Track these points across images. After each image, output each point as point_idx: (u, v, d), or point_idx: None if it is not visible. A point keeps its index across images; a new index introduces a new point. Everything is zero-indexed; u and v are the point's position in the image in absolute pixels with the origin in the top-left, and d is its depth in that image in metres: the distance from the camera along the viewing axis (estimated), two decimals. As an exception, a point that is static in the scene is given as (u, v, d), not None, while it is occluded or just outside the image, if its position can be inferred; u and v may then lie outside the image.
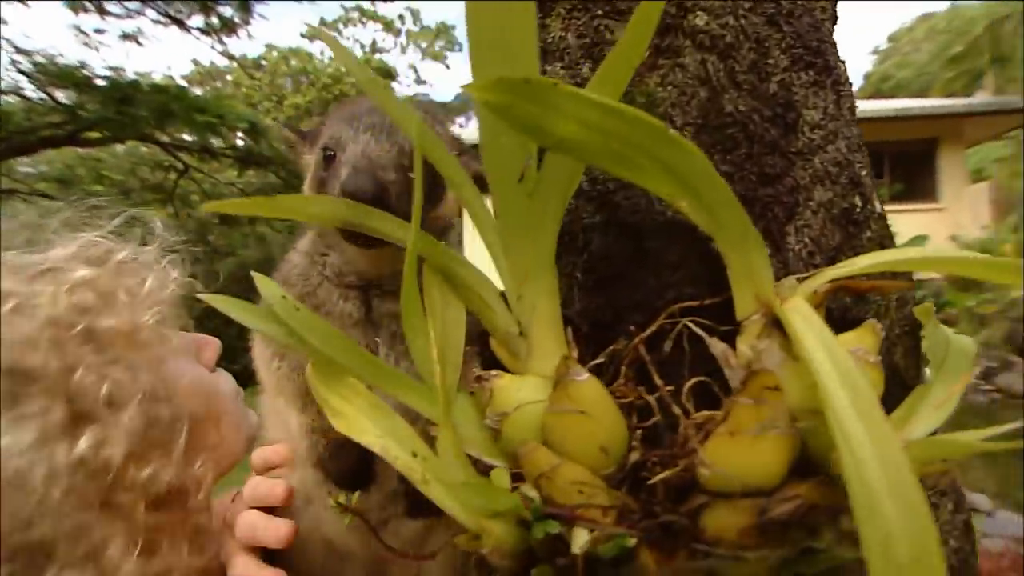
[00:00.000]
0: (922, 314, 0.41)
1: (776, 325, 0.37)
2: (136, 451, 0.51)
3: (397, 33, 20.46)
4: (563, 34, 0.48)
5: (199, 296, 0.46)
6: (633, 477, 0.37)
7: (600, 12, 0.47)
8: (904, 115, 9.74)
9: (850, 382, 0.31)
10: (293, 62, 18.27)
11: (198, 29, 8.84)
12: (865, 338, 0.36)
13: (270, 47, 18.66)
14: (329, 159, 0.53)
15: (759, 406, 0.33)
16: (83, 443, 0.48)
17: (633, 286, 0.43)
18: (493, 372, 0.41)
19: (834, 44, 0.46)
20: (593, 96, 0.34)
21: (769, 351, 0.36)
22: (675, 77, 0.43)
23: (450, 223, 0.58)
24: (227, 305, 0.42)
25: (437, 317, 0.42)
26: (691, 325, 0.39)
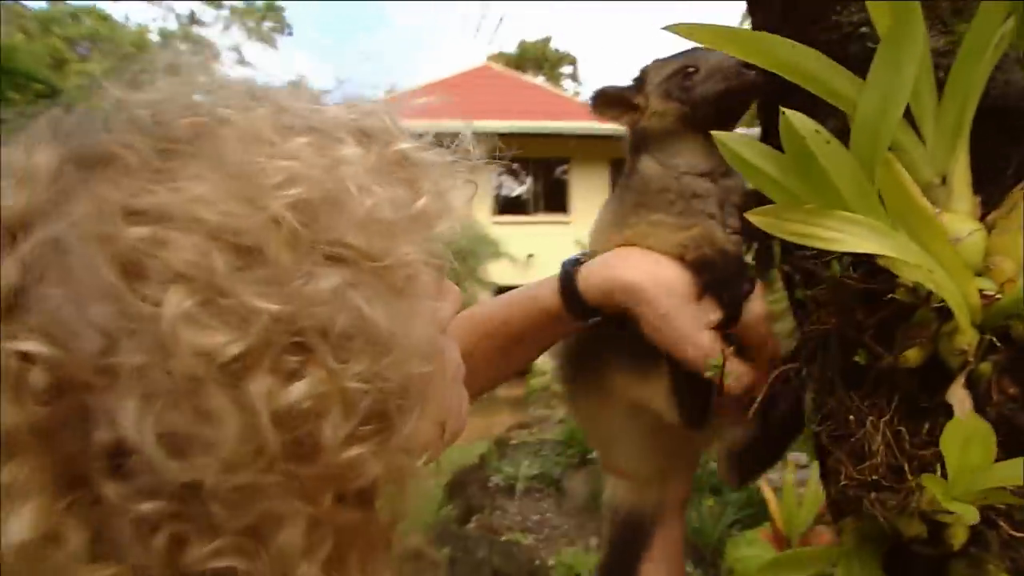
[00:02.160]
0: None
1: None
2: (354, 422, 0.36)
3: (219, 6, 18.60)
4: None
5: (716, 134, 0.48)
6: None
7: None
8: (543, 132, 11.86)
9: None
10: (88, 21, 15.70)
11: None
12: None
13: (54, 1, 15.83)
14: (690, 74, 0.70)
15: None
16: (299, 388, 0.34)
17: (997, 154, 0.56)
18: (937, 209, 0.52)
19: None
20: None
21: None
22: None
23: None
24: (735, 144, 0.47)
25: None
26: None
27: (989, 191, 0.55)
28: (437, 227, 0.45)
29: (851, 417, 0.56)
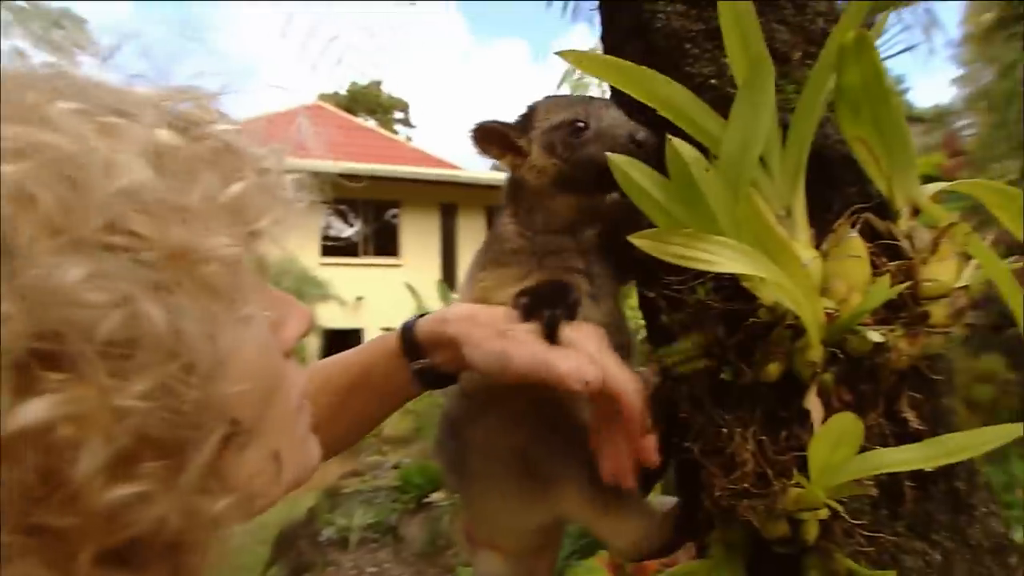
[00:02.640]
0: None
1: (916, 213, 0.64)
2: (127, 451, 0.29)
3: (-8, 6, 15.66)
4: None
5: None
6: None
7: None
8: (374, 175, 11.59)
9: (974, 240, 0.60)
10: None
11: None
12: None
13: None
14: (579, 130, 0.66)
15: (953, 242, 0.59)
16: (38, 407, 0.27)
17: (819, 197, 0.65)
18: (784, 238, 0.58)
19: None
20: (877, 57, 0.57)
21: (916, 227, 0.63)
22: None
23: None
24: (627, 166, 0.49)
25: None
26: (871, 216, 0.63)
27: (818, 226, 0.64)
28: (261, 221, 0.39)
29: (723, 431, 0.60)
